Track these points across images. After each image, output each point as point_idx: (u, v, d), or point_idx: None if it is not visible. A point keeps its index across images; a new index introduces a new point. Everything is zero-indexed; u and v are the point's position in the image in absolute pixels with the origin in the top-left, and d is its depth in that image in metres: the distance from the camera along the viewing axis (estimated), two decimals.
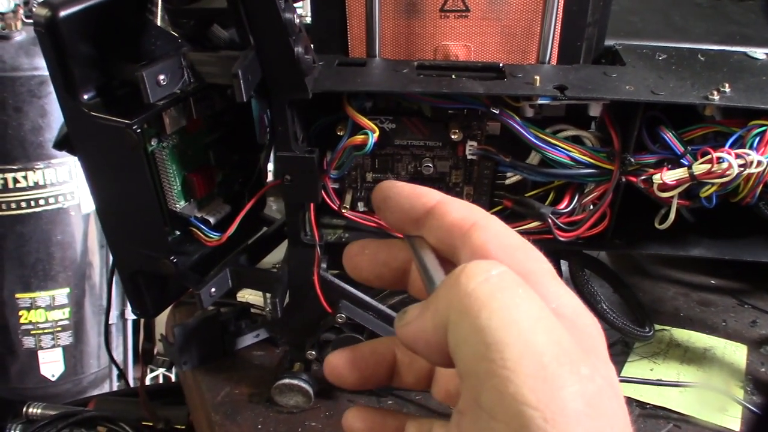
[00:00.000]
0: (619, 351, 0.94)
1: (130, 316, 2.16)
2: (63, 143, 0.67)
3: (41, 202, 1.93)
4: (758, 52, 0.75)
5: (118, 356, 2.22)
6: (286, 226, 0.73)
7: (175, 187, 0.70)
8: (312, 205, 0.71)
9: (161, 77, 0.58)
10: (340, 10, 0.72)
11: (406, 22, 0.73)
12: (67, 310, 2.07)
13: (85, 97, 0.61)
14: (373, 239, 0.40)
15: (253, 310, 0.94)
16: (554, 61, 0.73)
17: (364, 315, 0.73)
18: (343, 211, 0.74)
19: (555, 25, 0.70)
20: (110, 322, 2.15)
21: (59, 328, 2.08)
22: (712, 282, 1.17)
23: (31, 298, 2.00)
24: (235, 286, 0.75)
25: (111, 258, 1.84)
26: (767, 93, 0.66)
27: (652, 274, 1.18)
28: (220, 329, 0.87)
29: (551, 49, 0.71)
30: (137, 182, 0.65)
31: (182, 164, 0.70)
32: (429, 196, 0.35)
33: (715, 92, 0.64)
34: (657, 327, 0.99)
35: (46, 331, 2.06)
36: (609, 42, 0.77)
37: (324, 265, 0.74)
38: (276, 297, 0.72)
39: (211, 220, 0.74)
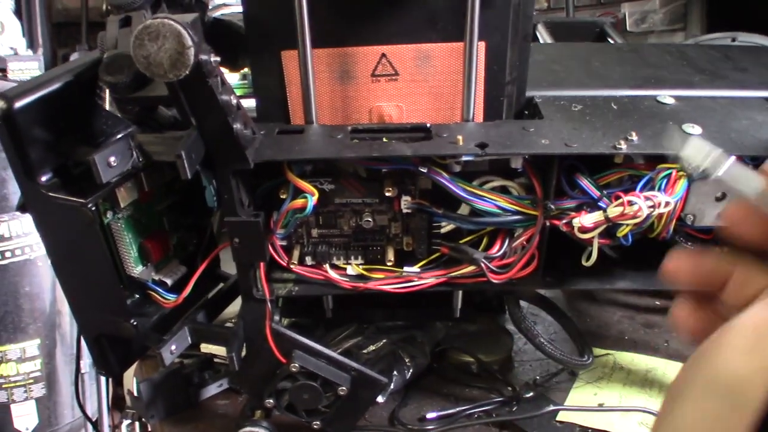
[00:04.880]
0: (566, 378, 0.99)
1: None
2: (26, 206, 0.70)
3: (7, 254, 1.93)
4: (667, 97, 0.82)
5: (92, 405, 2.22)
6: (239, 283, 0.78)
7: (132, 253, 0.74)
8: (261, 263, 0.76)
9: (112, 159, 0.63)
10: (279, 80, 0.78)
11: (341, 88, 0.78)
12: (38, 361, 2.07)
13: (43, 179, 0.65)
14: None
15: (216, 360, 0.98)
16: (480, 116, 0.79)
17: (317, 363, 0.78)
18: (291, 266, 0.79)
19: (477, 85, 0.76)
20: (83, 371, 2.16)
21: (31, 380, 2.07)
22: (657, 303, 1.23)
23: (1, 351, 1.99)
24: (195, 342, 0.80)
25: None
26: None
27: (599, 299, 1.25)
28: (184, 381, 0.91)
29: (475, 106, 0.77)
30: (95, 253, 0.69)
31: (137, 232, 0.75)
32: None
33: (623, 141, 0.70)
34: (601, 352, 1.05)
35: (18, 384, 2.04)
36: (531, 93, 0.83)
37: (276, 317, 0.79)
38: (233, 351, 0.76)
39: (168, 281, 0.78)
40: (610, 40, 1.34)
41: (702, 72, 0.92)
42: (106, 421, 2.28)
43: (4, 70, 2.05)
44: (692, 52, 1.00)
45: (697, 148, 0.40)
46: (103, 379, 2.22)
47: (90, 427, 2.24)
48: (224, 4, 0.90)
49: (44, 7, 2.58)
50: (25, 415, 2.09)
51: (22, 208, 0.72)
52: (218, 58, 0.59)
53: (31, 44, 2.32)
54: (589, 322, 1.18)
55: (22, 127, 0.63)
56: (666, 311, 1.20)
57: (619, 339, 1.12)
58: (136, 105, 0.64)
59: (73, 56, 2.44)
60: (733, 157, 0.38)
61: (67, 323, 2.13)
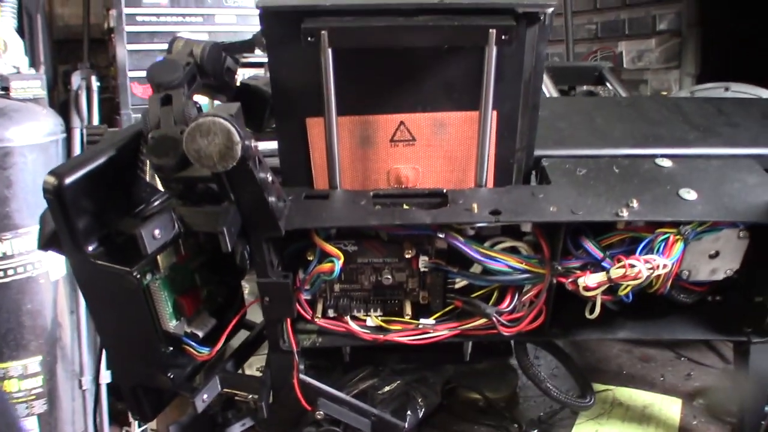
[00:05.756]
0: (568, 414, 1.05)
1: (104, 379, 2.18)
2: (50, 243, 0.74)
3: (10, 272, 1.96)
4: (665, 160, 0.87)
5: (91, 420, 2.26)
6: (267, 335, 0.83)
7: (167, 310, 0.79)
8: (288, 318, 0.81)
9: (156, 231, 0.68)
10: (303, 145, 0.83)
11: (361, 152, 0.84)
12: (40, 377, 2.09)
13: (90, 248, 0.70)
14: None
15: (237, 399, 1.03)
16: (491, 179, 0.84)
17: (340, 410, 0.83)
18: (315, 320, 0.85)
19: (490, 150, 0.82)
20: (84, 388, 2.20)
21: (33, 396, 2.10)
22: None
23: (3, 368, 2.01)
24: (224, 390, 0.85)
25: (82, 324, 1.86)
26: (669, 204, 0.79)
27: None
28: (210, 423, 0.96)
29: (487, 169, 0.82)
30: (137, 314, 0.75)
31: (172, 290, 0.80)
32: None
33: (624, 208, 0.76)
34: (601, 387, 1.11)
35: (20, 400, 2.06)
36: (539, 152, 0.88)
37: (302, 367, 0.85)
38: (262, 400, 0.81)
39: (200, 333, 0.83)
40: (608, 84, 1.40)
41: (696, 128, 0.98)
42: None
43: (6, 89, 2.09)
44: (687, 106, 1.06)
45: None
46: (103, 394, 2.26)
47: None
48: (249, 63, 0.95)
49: (45, 24, 2.62)
50: (27, 431, 2.12)
51: (46, 245, 0.75)
52: (258, 144, 0.64)
53: (33, 62, 2.35)
54: (589, 356, 1.24)
55: (71, 202, 0.68)
56: (662, 344, 1.26)
57: (617, 374, 1.17)
58: (179, 183, 0.69)
59: (75, 74, 2.47)
60: None
61: (68, 338, 2.16)
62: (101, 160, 0.71)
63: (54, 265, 2.04)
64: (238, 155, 0.59)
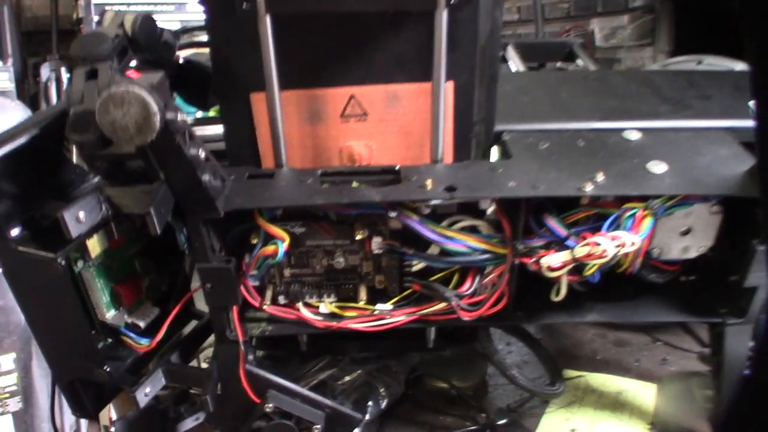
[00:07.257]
0: (538, 403, 1.01)
1: None
2: None
3: None
4: (633, 132, 0.83)
5: (70, 417, 2.21)
6: (212, 325, 0.78)
7: (104, 299, 0.75)
8: (234, 306, 0.77)
9: (81, 214, 0.63)
10: (249, 122, 0.78)
11: (310, 129, 0.79)
12: (14, 375, 2.04)
13: (13, 233, 0.65)
14: None
15: (192, 392, 0.98)
16: (450, 154, 0.79)
17: (291, 402, 0.78)
18: (264, 307, 0.80)
19: (446, 124, 0.77)
20: None
21: (7, 395, 2.05)
22: None
23: None
24: (169, 383, 0.80)
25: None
26: (637, 178, 0.74)
27: None
28: (160, 417, 0.91)
29: (444, 145, 0.77)
30: (66, 304, 0.69)
31: (109, 278, 0.75)
32: None
33: (589, 182, 0.72)
34: (573, 374, 1.07)
35: None
36: (501, 127, 0.84)
37: (251, 357, 0.80)
38: (207, 393, 0.76)
39: (141, 324, 0.78)
40: (579, 60, 1.35)
41: (667, 101, 0.94)
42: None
43: None
44: (658, 80, 1.02)
45: None
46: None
47: None
48: (192, 43, 0.89)
49: (13, 15, 2.56)
50: (1, 430, 2.07)
51: None
52: (187, 119, 0.59)
53: (1, 55, 2.30)
54: (562, 340, 1.20)
55: None
56: (637, 328, 1.22)
57: (591, 359, 1.13)
58: (104, 161, 0.64)
59: (44, 66, 2.42)
60: None
61: None
62: (24, 140, 0.66)
63: None
64: (156, 127, 0.54)
